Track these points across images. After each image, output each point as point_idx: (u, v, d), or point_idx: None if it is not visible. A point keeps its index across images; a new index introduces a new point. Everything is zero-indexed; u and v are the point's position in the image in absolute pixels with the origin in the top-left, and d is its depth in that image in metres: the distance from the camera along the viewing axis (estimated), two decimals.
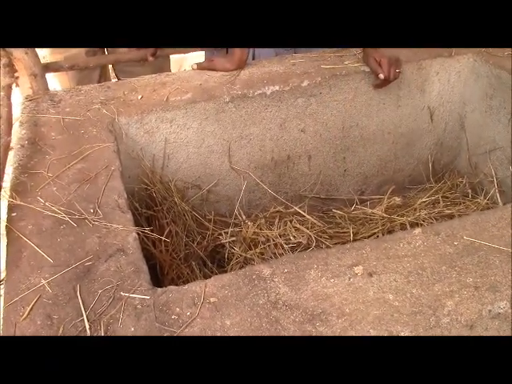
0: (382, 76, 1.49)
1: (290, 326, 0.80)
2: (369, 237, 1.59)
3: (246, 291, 0.86)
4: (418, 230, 0.99)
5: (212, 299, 0.85)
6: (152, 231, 1.35)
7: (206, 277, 1.37)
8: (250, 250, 1.49)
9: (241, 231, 1.54)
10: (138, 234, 1.05)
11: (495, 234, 0.97)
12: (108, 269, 0.91)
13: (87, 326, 0.80)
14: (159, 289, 0.87)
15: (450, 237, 0.97)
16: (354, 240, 1.57)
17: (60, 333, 0.80)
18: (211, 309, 0.83)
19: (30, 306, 0.84)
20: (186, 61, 3.02)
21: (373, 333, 0.79)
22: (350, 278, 0.88)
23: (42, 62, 1.55)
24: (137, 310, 0.83)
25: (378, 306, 0.82)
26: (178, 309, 0.83)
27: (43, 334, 0.80)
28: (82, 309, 0.83)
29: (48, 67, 1.56)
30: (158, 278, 1.29)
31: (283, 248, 1.48)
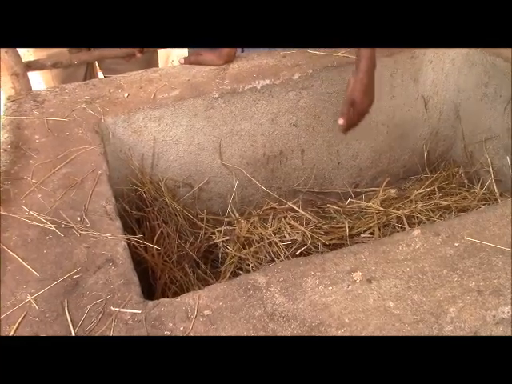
0: (340, 122, 1.31)
1: None
2: (365, 231, 1.56)
3: (242, 302, 0.83)
4: (417, 231, 0.95)
5: (206, 312, 0.82)
6: (143, 233, 1.32)
7: (199, 279, 1.34)
8: (244, 249, 1.46)
9: (234, 230, 1.51)
10: (129, 239, 1.02)
11: (496, 234, 0.94)
12: (97, 282, 0.88)
13: None
14: (151, 302, 0.84)
15: (450, 237, 0.94)
16: (350, 235, 1.54)
17: None
18: (205, 322, 0.80)
19: (16, 325, 0.80)
20: (172, 51, 2.96)
21: None
22: (348, 285, 0.85)
23: (26, 57, 1.49)
24: (128, 326, 0.80)
25: (378, 315, 0.79)
26: (170, 324, 0.80)
27: None
28: (71, 326, 0.80)
29: (30, 66, 1.50)
30: (150, 284, 1.26)
31: (278, 246, 1.45)
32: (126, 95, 1.39)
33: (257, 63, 1.52)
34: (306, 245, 1.46)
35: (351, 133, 1.39)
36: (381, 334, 0.77)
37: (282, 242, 1.46)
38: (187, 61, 1.53)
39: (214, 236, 1.49)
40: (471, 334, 0.78)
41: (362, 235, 1.55)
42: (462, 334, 0.77)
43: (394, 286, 0.84)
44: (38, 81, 1.84)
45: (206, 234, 1.49)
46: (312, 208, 1.67)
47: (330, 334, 0.77)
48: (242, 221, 1.52)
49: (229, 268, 1.41)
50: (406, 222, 1.55)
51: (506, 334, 0.80)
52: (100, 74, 2.01)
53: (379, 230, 1.56)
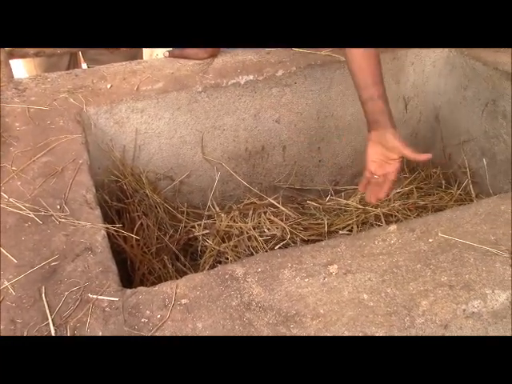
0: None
1: (264, 329, 0.78)
2: (343, 228, 1.59)
3: (219, 292, 0.84)
4: (393, 227, 0.97)
5: (183, 301, 0.82)
6: (123, 225, 1.32)
7: (178, 271, 1.35)
8: (224, 242, 1.47)
9: (214, 223, 1.52)
10: (108, 229, 1.02)
11: (469, 231, 0.96)
12: (75, 269, 0.88)
13: (53, 331, 0.77)
14: (128, 290, 0.84)
15: (425, 233, 0.96)
16: (329, 231, 1.56)
17: None
18: (182, 311, 0.81)
19: None
20: None
21: (347, 334, 0.77)
22: (324, 278, 0.86)
23: None
24: (105, 313, 0.80)
25: (352, 307, 0.81)
26: (148, 311, 0.80)
27: None
28: (48, 312, 0.80)
29: (13, 54, 1.49)
30: (129, 274, 1.26)
31: (257, 241, 1.46)
32: (108, 86, 1.39)
33: (241, 59, 1.53)
34: (284, 240, 1.48)
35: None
36: (354, 325, 0.79)
37: (262, 236, 1.48)
38: (171, 54, 1.54)
39: (193, 229, 1.50)
40: (442, 327, 0.80)
41: (341, 232, 1.57)
42: (432, 326, 0.80)
43: (369, 279, 0.86)
44: (21, 69, 1.83)
45: (185, 227, 1.50)
46: (292, 204, 1.69)
47: (305, 324, 0.78)
48: (222, 215, 1.53)
49: (208, 261, 1.41)
50: (383, 220, 1.58)
51: (476, 328, 0.83)
52: (83, 66, 2.00)
53: (357, 227, 1.58)
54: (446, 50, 1.68)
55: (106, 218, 1.26)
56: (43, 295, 0.83)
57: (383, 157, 1.14)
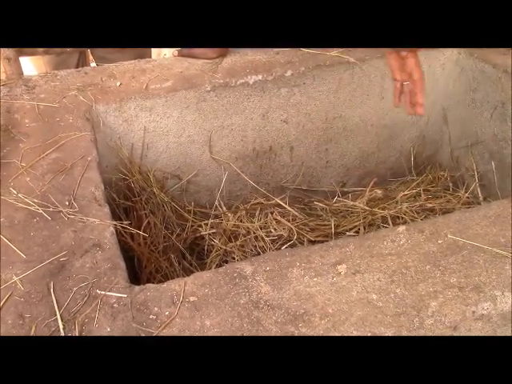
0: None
1: (272, 327, 0.78)
2: (350, 229, 1.58)
3: (227, 290, 0.84)
4: (401, 228, 0.97)
5: (192, 298, 0.82)
6: (130, 223, 1.32)
7: (185, 270, 1.35)
8: (230, 242, 1.46)
9: (221, 223, 1.52)
10: (116, 226, 1.02)
11: (479, 233, 0.96)
12: (83, 265, 0.88)
13: (61, 326, 0.77)
14: (137, 287, 0.84)
15: (434, 235, 0.96)
16: (336, 233, 1.56)
17: (32, 333, 0.76)
18: (191, 308, 0.80)
19: (1, 305, 0.80)
20: None
21: (356, 334, 0.77)
22: (333, 277, 0.86)
23: None
24: (113, 309, 0.80)
25: (361, 307, 0.81)
26: (156, 308, 0.80)
27: (14, 333, 0.76)
28: (56, 307, 0.80)
29: (22, 51, 1.50)
30: (136, 272, 1.26)
31: (264, 241, 1.46)
32: (118, 84, 1.40)
33: (250, 59, 1.53)
34: (291, 240, 1.47)
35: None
36: (363, 325, 0.78)
37: (268, 236, 1.48)
38: (180, 53, 1.54)
39: (200, 228, 1.50)
40: (451, 328, 0.80)
41: (348, 233, 1.56)
42: (441, 327, 0.79)
43: (378, 280, 0.86)
44: (30, 68, 1.83)
45: (192, 226, 1.50)
46: (299, 205, 1.69)
47: (314, 324, 0.78)
48: (229, 214, 1.53)
49: (214, 260, 1.41)
50: (390, 222, 1.57)
51: (485, 330, 0.82)
52: (92, 64, 2.00)
53: (364, 228, 1.57)
54: (456, 52, 1.67)
55: (114, 216, 1.25)
56: (51, 290, 0.83)
57: (398, 58, 1.18)
